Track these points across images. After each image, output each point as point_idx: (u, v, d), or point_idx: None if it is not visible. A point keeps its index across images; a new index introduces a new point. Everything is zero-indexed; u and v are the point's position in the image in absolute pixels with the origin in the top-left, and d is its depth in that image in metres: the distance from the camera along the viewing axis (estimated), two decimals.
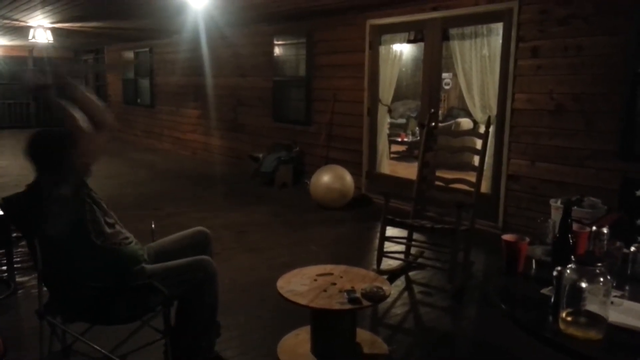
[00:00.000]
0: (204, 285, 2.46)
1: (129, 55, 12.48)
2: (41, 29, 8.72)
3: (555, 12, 4.53)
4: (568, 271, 1.62)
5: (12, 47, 13.82)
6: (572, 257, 1.71)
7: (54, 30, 9.01)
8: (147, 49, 11.66)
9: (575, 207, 3.76)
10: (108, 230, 2.30)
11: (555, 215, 3.61)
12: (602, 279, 1.57)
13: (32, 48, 14.17)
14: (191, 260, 2.50)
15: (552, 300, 1.71)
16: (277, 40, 7.97)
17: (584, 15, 4.33)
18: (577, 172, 4.47)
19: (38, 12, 7.25)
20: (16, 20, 8.00)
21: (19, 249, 4.33)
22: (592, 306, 1.56)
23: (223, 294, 3.57)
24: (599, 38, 4.26)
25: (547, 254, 2.11)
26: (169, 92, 11.19)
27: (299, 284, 2.70)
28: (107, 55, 13.88)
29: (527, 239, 2.12)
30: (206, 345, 2.55)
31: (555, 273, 1.71)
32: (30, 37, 8.98)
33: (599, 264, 1.62)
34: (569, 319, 1.56)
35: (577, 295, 1.56)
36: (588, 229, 2.20)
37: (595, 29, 4.28)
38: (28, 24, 8.47)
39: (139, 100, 12.53)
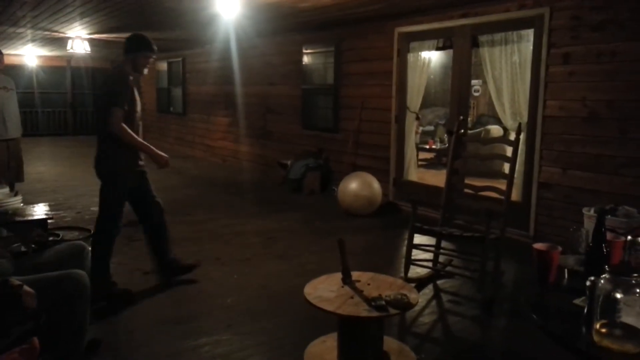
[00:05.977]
0: (72, 301, 2.34)
1: (163, 65, 12.76)
2: (79, 39, 8.99)
3: (588, 17, 4.45)
4: (602, 281, 1.58)
5: (51, 57, 14.34)
6: (607, 267, 1.67)
7: (91, 41, 9.29)
8: (180, 59, 11.90)
9: (609, 216, 3.67)
10: None
11: (589, 224, 3.54)
12: (638, 290, 1.53)
13: (70, 58, 14.66)
14: (61, 272, 2.38)
15: (586, 311, 1.67)
16: (306, 49, 8.04)
17: (619, 20, 4.24)
18: (612, 181, 4.36)
19: (76, 24, 7.50)
20: (55, 31, 8.29)
21: None
22: (628, 318, 1.52)
23: (252, 300, 3.64)
24: (635, 44, 4.16)
25: (579, 264, 2.07)
26: (200, 100, 11.39)
27: (327, 290, 2.71)
28: None
29: (559, 248, 2.08)
30: None
31: (588, 283, 1.68)
32: (68, 47, 9.28)
33: (635, 275, 1.58)
34: (603, 330, 1.53)
35: (611, 306, 1.53)
36: (623, 239, 2.15)
37: (630, 35, 4.18)
38: (66, 35, 8.75)
39: (171, 109, 12.79)
